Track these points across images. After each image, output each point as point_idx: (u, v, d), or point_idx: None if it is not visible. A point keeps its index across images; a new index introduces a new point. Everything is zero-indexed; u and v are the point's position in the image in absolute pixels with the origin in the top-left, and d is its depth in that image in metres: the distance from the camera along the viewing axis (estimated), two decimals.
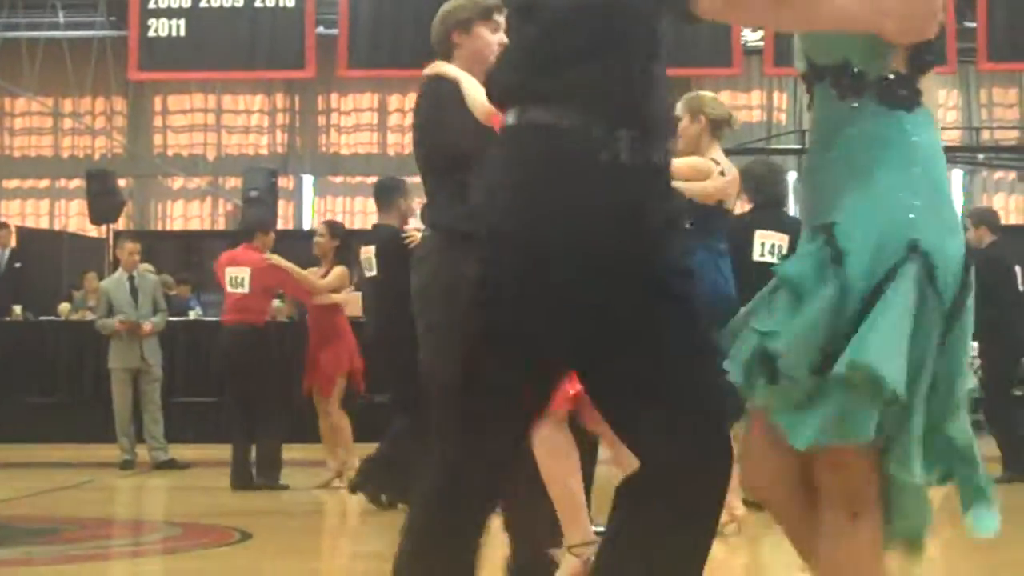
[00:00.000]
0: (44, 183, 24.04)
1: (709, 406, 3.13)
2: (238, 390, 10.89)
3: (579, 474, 5.52)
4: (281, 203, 20.91)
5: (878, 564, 3.17)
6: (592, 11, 3.14)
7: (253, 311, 10.91)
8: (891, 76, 3.22)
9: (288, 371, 11.43)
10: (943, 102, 23.55)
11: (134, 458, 12.62)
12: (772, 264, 8.92)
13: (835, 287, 3.03)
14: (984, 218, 11.77)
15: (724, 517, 7.58)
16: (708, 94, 8.31)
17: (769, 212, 9.22)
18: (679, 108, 7.90)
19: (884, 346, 2.96)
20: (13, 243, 18.51)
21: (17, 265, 17.95)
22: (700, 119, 7.79)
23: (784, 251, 9.18)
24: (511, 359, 3.14)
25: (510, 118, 3.18)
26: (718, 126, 7.82)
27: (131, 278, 13.00)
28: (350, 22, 18.09)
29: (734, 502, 7.62)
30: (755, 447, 3.23)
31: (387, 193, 9.70)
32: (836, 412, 3.00)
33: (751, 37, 18.83)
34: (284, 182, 22.13)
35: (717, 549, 3.31)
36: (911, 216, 3.08)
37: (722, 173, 7.60)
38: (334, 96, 23.91)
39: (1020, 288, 11.44)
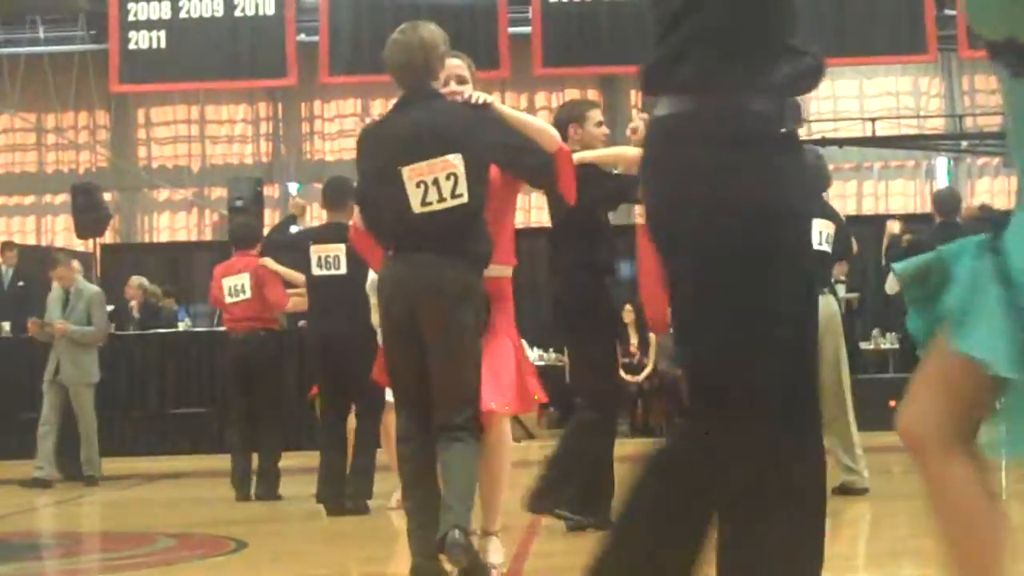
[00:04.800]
0: (30, 199, 24.01)
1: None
2: (244, 399, 10.82)
3: None
4: (267, 212, 20.88)
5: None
6: None
7: (263, 316, 10.88)
8: None
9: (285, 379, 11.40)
10: (926, 90, 23.60)
11: (47, 476, 12.48)
12: (824, 252, 9.03)
13: (997, 281, 2.91)
14: (935, 201, 11.87)
15: None
16: None
17: (814, 201, 9.18)
18: None
19: None
20: (16, 262, 18.41)
21: (20, 284, 17.87)
22: None
23: (832, 237, 9.23)
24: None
25: (686, 106, 3.22)
26: None
27: (67, 292, 13.01)
28: (330, 29, 18.11)
29: None
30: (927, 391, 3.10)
31: (339, 193, 9.71)
32: None
33: None
34: (270, 191, 22.13)
35: None
36: None
37: None
38: (317, 103, 23.91)
39: None
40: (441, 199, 5.79)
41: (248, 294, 10.86)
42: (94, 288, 13.51)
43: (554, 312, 8.02)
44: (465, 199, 5.80)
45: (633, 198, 7.91)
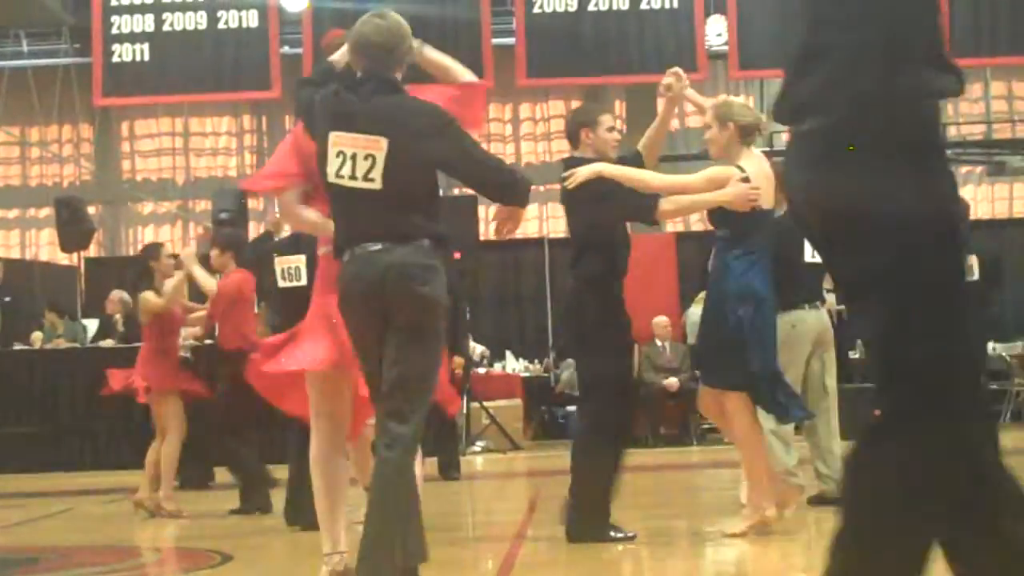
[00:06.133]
0: (14, 213, 23.97)
1: None
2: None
3: None
4: (252, 224, 20.86)
5: None
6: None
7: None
8: None
9: None
10: None
11: None
12: (815, 263, 9.07)
13: None
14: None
15: (755, 518, 7.64)
16: (737, 100, 8.41)
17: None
18: (708, 116, 7.96)
19: None
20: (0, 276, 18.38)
21: (7, 299, 17.83)
22: (729, 126, 7.85)
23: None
24: None
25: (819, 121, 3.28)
26: (748, 132, 7.89)
27: None
28: (314, 42, 18.10)
29: (763, 502, 7.66)
30: None
31: None
32: None
33: (715, 42, 18.88)
34: (254, 203, 22.10)
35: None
36: None
37: (746, 179, 7.62)
38: None
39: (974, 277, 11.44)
40: (352, 176, 5.75)
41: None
42: None
43: (568, 322, 8.09)
44: (377, 185, 5.72)
45: (650, 221, 8.00)
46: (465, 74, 6.21)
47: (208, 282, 10.77)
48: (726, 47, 18.80)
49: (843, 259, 3.28)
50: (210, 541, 8.97)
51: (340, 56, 6.17)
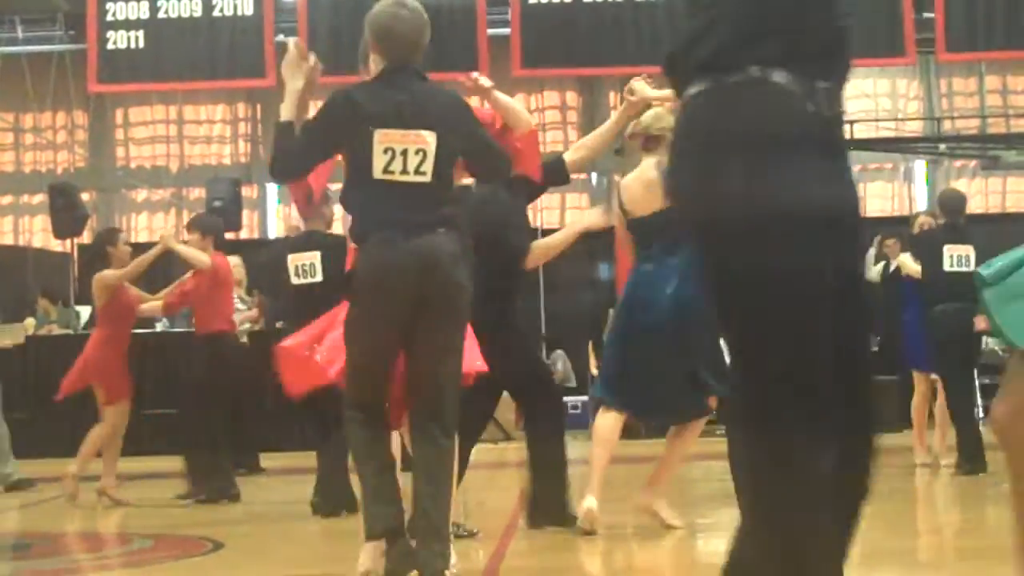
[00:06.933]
0: (7, 199, 23.96)
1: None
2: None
3: None
4: (245, 212, 20.85)
5: None
6: None
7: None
8: None
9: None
10: (904, 92, 23.67)
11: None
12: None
13: None
14: (940, 202, 12.10)
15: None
16: (655, 111, 8.37)
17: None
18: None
19: None
20: None
21: None
22: (636, 135, 7.98)
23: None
24: None
25: (719, 79, 3.18)
26: (648, 141, 8.01)
27: None
28: (309, 30, 18.10)
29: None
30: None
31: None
32: None
33: None
34: (248, 191, 22.10)
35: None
36: None
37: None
38: None
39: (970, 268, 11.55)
40: (404, 171, 5.79)
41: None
42: None
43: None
44: (428, 178, 5.81)
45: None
46: (523, 114, 6.58)
47: (200, 257, 10.70)
48: None
49: (697, 257, 3.29)
50: (201, 528, 8.98)
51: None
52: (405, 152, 5.79)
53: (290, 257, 9.69)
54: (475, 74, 7.08)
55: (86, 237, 20.15)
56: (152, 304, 11.53)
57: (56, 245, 20.67)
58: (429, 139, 5.81)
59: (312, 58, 6.22)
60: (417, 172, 5.79)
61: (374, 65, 6.06)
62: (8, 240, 23.21)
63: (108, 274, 10.92)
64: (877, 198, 23.80)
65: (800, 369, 3.07)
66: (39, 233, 23.22)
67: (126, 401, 11.08)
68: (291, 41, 6.49)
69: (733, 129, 3.12)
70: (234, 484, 10.75)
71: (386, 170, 5.80)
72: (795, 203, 3.05)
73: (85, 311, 17.84)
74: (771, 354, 3.09)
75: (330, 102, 5.97)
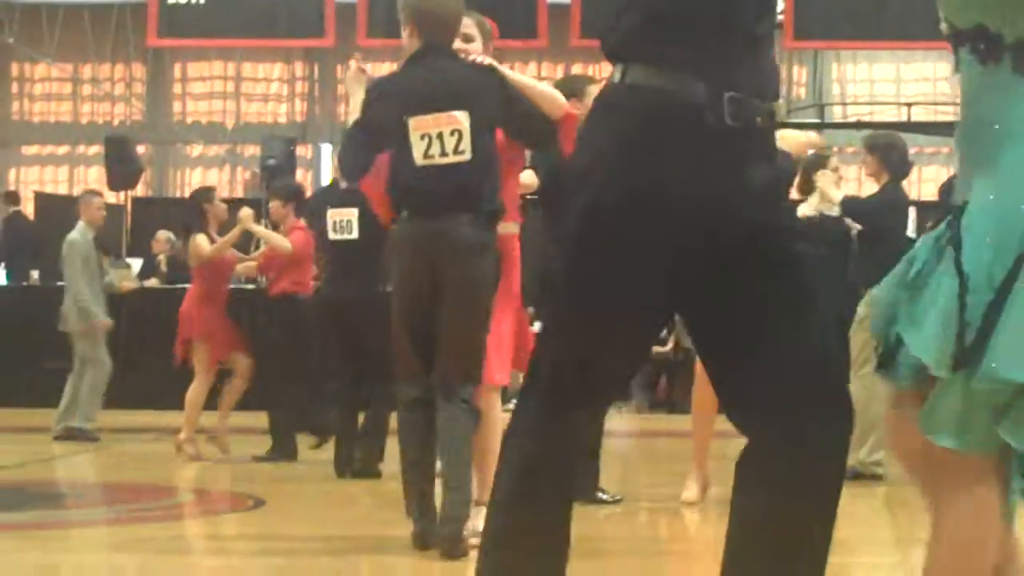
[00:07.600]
0: (63, 149, 24.07)
1: (822, 369, 3.10)
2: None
3: None
4: (299, 172, 20.89)
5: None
6: None
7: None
8: None
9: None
10: (938, 76, 23.44)
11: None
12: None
13: (951, 275, 2.77)
14: None
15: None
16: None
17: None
18: None
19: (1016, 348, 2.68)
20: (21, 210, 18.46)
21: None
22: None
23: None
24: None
25: (615, 76, 3.15)
26: None
27: None
28: None
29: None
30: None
31: None
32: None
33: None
34: (302, 150, 22.13)
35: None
36: None
37: None
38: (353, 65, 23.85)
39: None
40: (443, 153, 5.90)
41: None
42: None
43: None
44: (467, 156, 5.90)
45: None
46: (558, 99, 6.25)
47: (283, 243, 10.58)
48: (781, 16, 18.69)
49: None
50: (244, 485, 9.04)
51: None
52: (441, 135, 5.90)
53: (329, 212, 9.69)
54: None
55: (140, 190, 20.28)
56: (248, 264, 11.55)
57: (110, 197, 20.76)
58: (462, 118, 5.91)
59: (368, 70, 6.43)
60: (456, 152, 5.90)
61: (408, 41, 6.11)
62: (63, 189, 23.33)
63: (202, 247, 10.91)
64: (931, 182, 23.60)
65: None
66: (93, 184, 23.29)
67: (243, 355, 11.06)
68: (353, 59, 6.58)
69: (601, 136, 3.13)
70: (294, 440, 10.73)
71: (426, 155, 5.90)
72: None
73: (136, 263, 17.90)
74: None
75: (365, 103, 6.16)
